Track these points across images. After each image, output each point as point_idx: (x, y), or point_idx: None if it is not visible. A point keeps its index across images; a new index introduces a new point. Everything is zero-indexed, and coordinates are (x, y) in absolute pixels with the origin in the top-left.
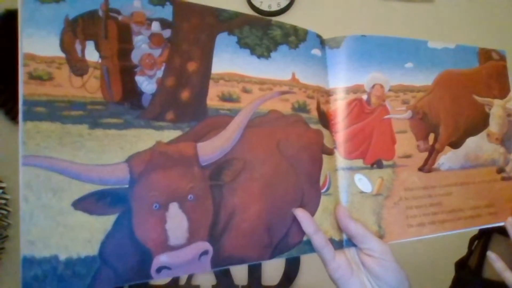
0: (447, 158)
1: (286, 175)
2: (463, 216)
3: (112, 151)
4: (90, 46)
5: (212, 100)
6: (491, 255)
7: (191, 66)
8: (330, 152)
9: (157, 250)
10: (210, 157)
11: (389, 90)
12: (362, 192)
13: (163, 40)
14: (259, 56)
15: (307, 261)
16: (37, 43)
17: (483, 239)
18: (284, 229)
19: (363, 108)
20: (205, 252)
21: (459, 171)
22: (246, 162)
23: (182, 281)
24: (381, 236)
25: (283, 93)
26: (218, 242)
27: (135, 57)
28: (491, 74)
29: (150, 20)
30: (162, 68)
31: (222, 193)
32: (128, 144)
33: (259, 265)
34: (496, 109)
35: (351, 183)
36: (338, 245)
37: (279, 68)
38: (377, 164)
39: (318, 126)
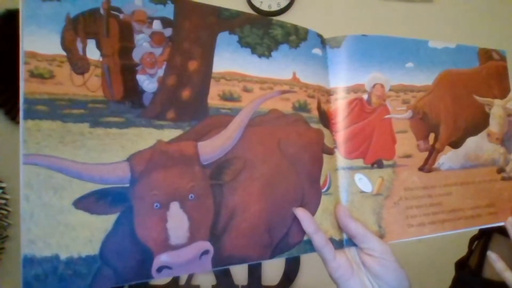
0: (447, 158)
1: (286, 174)
2: (463, 216)
3: (113, 150)
4: (91, 44)
5: (213, 99)
6: (491, 255)
7: (192, 65)
8: (331, 152)
9: (157, 249)
10: (211, 156)
11: (390, 89)
12: (362, 191)
13: (164, 39)
14: (260, 55)
15: (307, 261)
16: (38, 41)
17: (483, 239)
18: (285, 228)
19: (363, 107)
20: (205, 252)
21: (459, 171)
22: (246, 161)
23: (182, 281)
24: (381, 236)
25: (284, 92)
26: (219, 242)
27: (136, 55)
28: (491, 74)
29: (151, 19)
30: (163, 66)
31: (222, 193)
32: (129, 143)
33: (259, 265)
34: (497, 109)
35: (351, 182)
36: (338, 244)
37: (279, 67)
38: (377, 164)
39: (319, 126)
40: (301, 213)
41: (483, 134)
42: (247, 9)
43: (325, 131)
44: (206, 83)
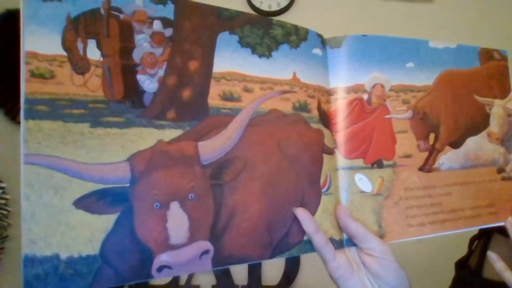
0: (447, 158)
1: (286, 174)
2: (463, 216)
3: (114, 149)
4: (91, 45)
5: (213, 99)
6: (491, 255)
7: (193, 65)
8: (331, 152)
9: (158, 249)
10: (211, 156)
11: (390, 89)
12: (362, 191)
13: (165, 39)
14: (260, 56)
15: (307, 261)
16: (39, 41)
17: (483, 239)
18: (285, 228)
19: (363, 107)
20: (206, 252)
21: (459, 171)
22: (247, 161)
23: (182, 281)
24: (381, 236)
25: (284, 92)
26: (219, 242)
27: (136, 55)
28: (492, 74)
29: (152, 19)
30: (164, 67)
31: (223, 192)
32: (129, 143)
33: (259, 265)
34: (497, 109)
35: (351, 182)
36: (338, 244)
37: (280, 67)
38: (378, 164)
39: (319, 126)
40: (301, 213)
41: (483, 134)
42: (247, 9)
43: (325, 131)
44: (207, 83)
